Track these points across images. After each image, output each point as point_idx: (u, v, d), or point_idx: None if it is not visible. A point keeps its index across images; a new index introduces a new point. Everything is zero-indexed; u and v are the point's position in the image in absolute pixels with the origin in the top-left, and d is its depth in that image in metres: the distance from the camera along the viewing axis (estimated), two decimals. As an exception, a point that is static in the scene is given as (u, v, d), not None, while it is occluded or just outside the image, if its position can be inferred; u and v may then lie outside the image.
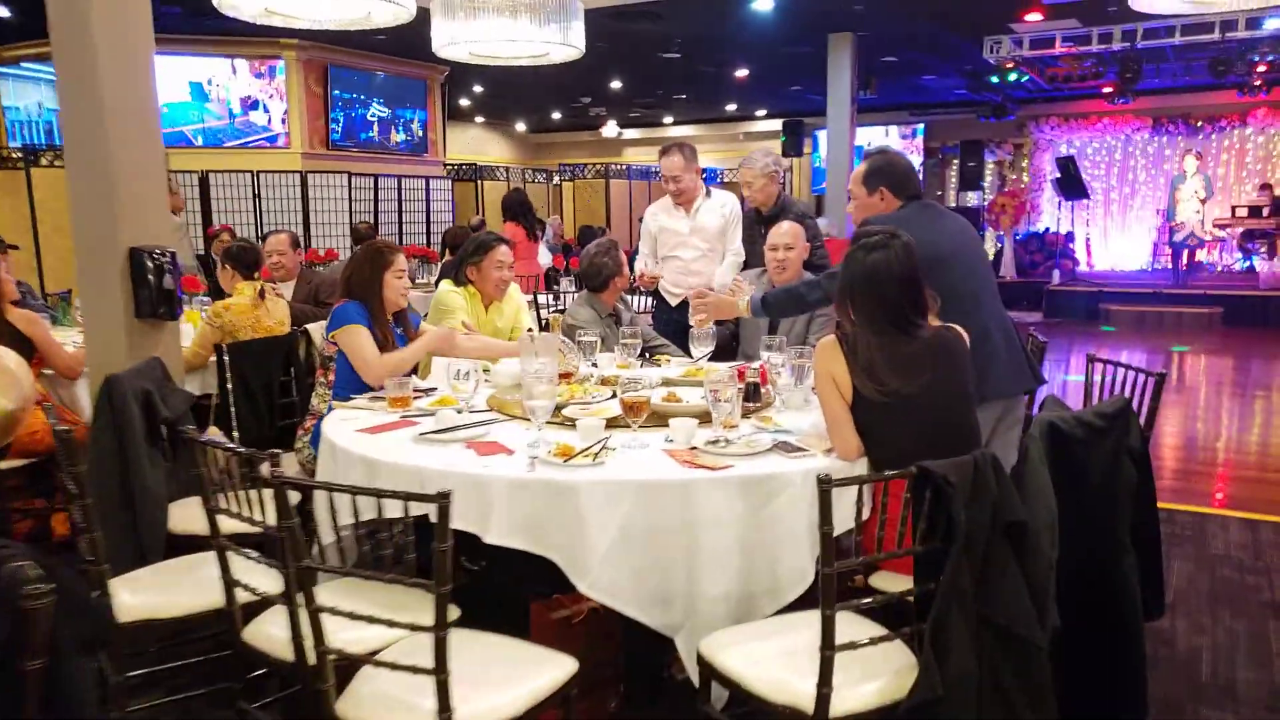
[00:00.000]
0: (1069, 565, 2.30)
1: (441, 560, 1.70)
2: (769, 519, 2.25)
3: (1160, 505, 4.72)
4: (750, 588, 2.26)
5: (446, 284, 3.98)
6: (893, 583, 2.39)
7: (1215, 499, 4.94)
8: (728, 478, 2.26)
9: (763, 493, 2.26)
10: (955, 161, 15.59)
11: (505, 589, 2.66)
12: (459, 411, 2.75)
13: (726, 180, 15.07)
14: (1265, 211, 12.34)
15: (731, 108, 17.00)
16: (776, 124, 16.41)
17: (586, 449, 2.35)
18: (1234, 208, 12.89)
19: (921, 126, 15.56)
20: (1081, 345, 9.43)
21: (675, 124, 18.79)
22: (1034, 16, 8.55)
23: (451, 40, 4.15)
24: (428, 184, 11.71)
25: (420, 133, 12.00)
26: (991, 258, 13.77)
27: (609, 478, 2.23)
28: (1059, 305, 12.12)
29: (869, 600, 2.00)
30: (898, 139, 15.64)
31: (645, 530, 2.19)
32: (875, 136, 15.37)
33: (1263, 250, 12.25)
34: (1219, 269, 13.24)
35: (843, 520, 2.10)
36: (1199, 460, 5.67)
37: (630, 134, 19.10)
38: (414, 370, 3.48)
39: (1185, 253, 12.87)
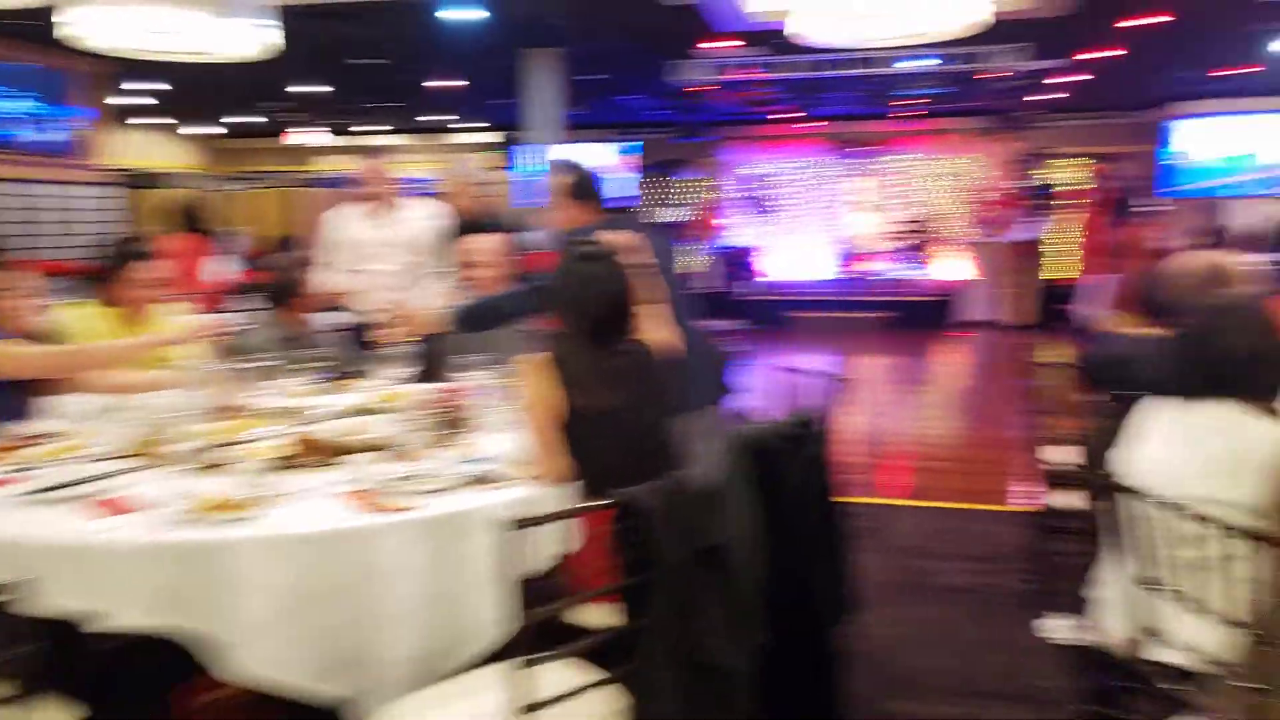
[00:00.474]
0: (770, 579, 2.27)
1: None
2: (460, 563, 2.02)
3: (847, 500, 5.09)
4: (438, 644, 2.01)
5: (78, 305, 3.37)
6: (610, 617, 2.24)
7: (896, 490, 5.33)
8: (414, 520, 2.00)
9: (453, 534, 2.03)
10: (663, 179, 16.26)
11: (142, 673, 2.22)
12: (87, 461, 2.27)
13: (439, 192, 14.61)
14: (921, 226, 14.01)
15: (447, 118, 16.56)
16: (499, 136, 16.22)
17: (243, 499, 2.00)
18: (898, 223, 14.44)
19: (640, 144, 16.06)
20: (771, 352, 10.04)
21: (383, 132, 18.00)
22: (714, 44, 9.02)
23: (85, 25, 3.56)
24: (89, 190, 10.30)
25: (71, 134, 10.52)
26: (700, 270, 14.41)
27: (269, 533, 1.90)
28: (752, 314, 12.90)
29: (569, 647, 1.83)
30: (617, 156, 16.02)
31: (314, 591, 1.88)
32: (595, 153, 15.65)
33: (919, 260, 13.87)
34: (889, 277, 14.70)
35: (547, 555, 1.92)
36: (879, 454, 6.12)
37: (330, 141, 18.07)
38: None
39: (860, 263, 14.25)
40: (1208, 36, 9.26)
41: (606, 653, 1.94)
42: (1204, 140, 14.12)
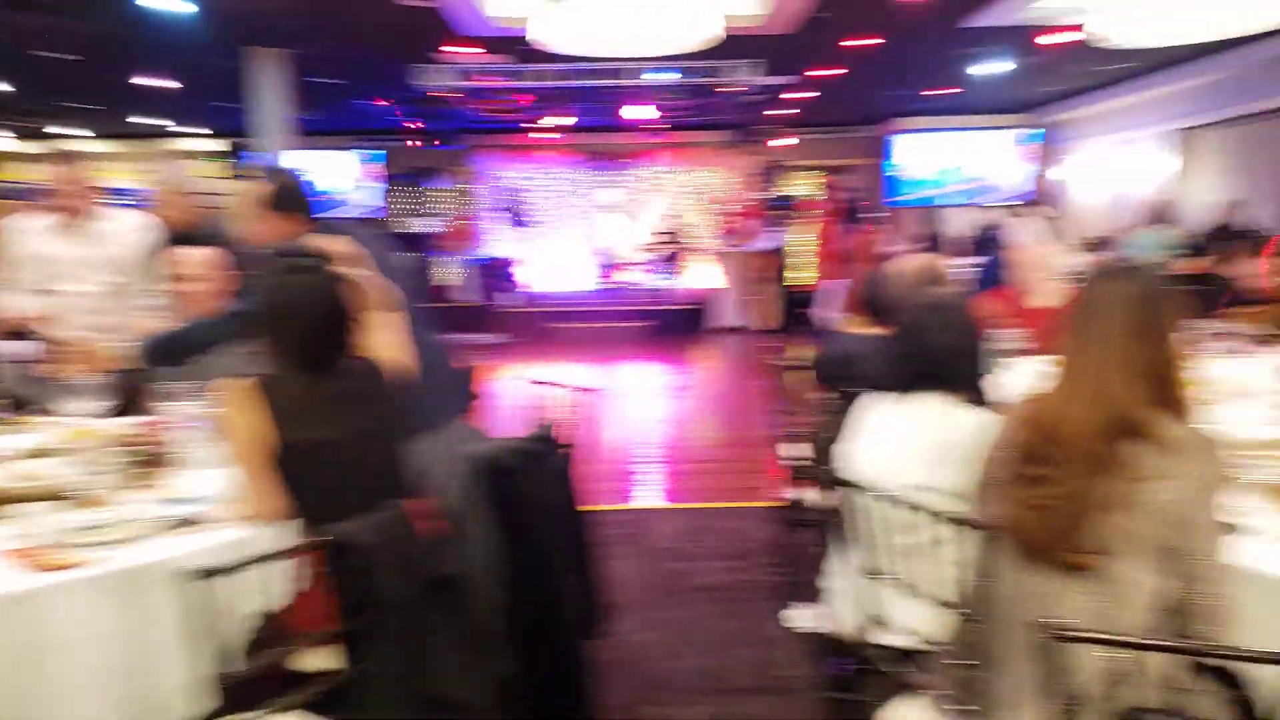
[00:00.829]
0: (516, 602, 2.17)
1: None
2: (152, 622, 1.77)
3: (606, 507, 5.11)
4: (133, 717, 1.75)
5: None
6: (337, 661, 2.05)
7: (653, 495, 5.39)
8: (90, 577, 1.73)
9: (142, 588, 1.77)
10: (413, 189, 15.75)
11: None
12: None
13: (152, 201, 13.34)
14: (673, 237, 14.47)
15: (163, 122, 15.15)
16: (224, 144, 15.06)
17: None
18: (652, 234, 14.84)
19: (383, 153, 15.44)
20: (530, 364, 9.99)
21: (85, 137, 16.20)
22: (457, 48, 8.82)
23: None
24: None
25: None
26: (456, 282, 14.10)
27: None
28: (511, 326, 12.80)
29: (287, 699, 1.64)
30: (359, 164, 15.34)
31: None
32: (334, 161, 14.90)
33: (675, 269, 14.32)
34: (644, 287, 15.05)
35: (270, 598, 1.72)
36: (639, 459, 6.19)
37: (17, 146, 16.02)
38: None
39: (618, 273, 14.50)
40: (915, 59, 10.17)
41: (334, 699, 1.77)
42: (920, 154, 15.52)
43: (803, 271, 14.50)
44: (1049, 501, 1.60)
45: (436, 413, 2.84)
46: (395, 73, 9.87)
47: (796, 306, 13.36)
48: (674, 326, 12.71)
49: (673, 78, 9.63)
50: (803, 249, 14.44)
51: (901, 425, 2.12)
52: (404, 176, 15.67)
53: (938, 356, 2.08)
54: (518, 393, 3.53)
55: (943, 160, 15.49)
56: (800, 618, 3.21)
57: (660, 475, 5.85)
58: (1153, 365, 1.60)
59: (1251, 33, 7.24)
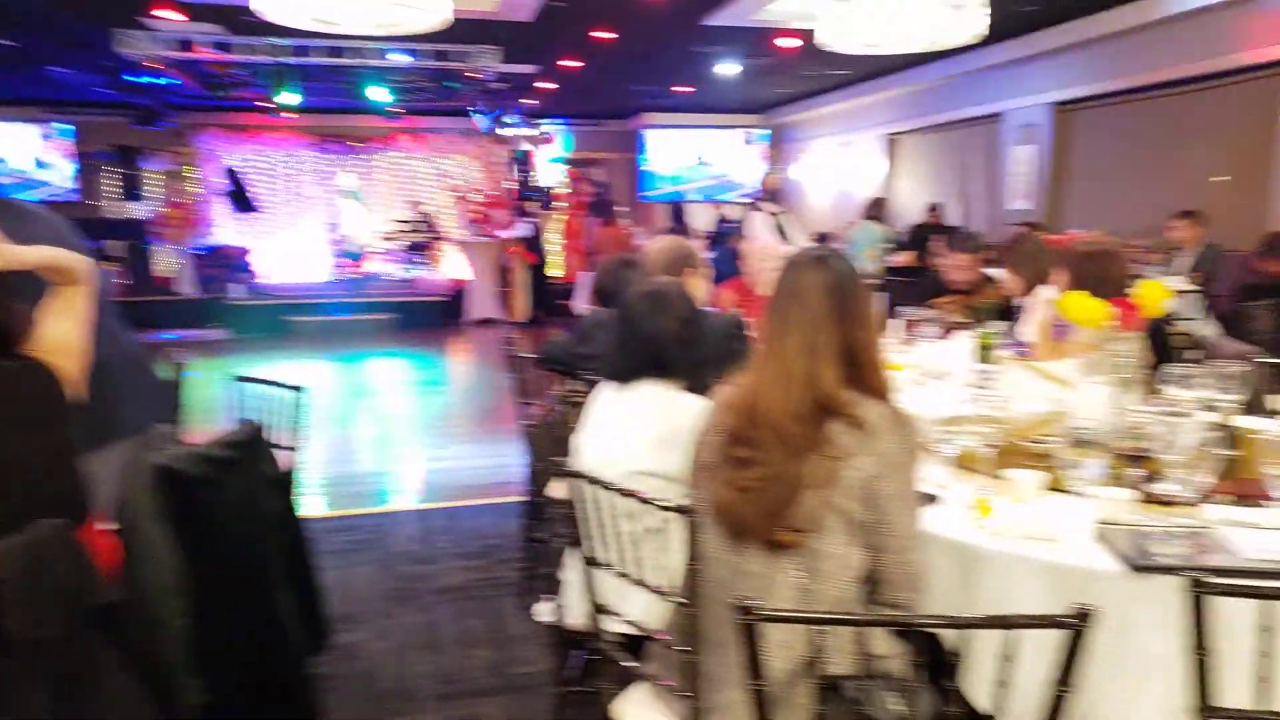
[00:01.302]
0: (215, 624, 1.94)
1: None
2: None
3: (339, 513, 4.82)
4: None
5: None
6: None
7: (392, 496, 5.15)
8: None
9: None
10: (114, 169, 14.17)
11: None
12: None
13: None
14: (425, 227, 13.99)
15: None
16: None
17: None
18: (395, 222, 14.26)
19: (71, 128, 13.77)
20: (264, 361, 9.31)
21: None
22: (168, 13, 7.99)
23: None
24: None
25: None
26: (171, 274, 12.88)
27: None
28: (242, 320, 11.87)
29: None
30: (39, 139, 13.60)
31: None
32: (11, 135, 13.15)
33: (422, 260, 13.84)
34: (388, 278, 14.46)
35: None
36: (378, 460, 5.90)
37: None
38: None
39: (357, 264, 13.81)
40: (655, 55, 10.43)
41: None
42: (669, 149, 16.03)
43: (559, 262, 14.56)
44: (753, 483, 1.62)
45: (125, 418, 2.51)
46: (94, 37, 8.81)
47: (556, 298, 13.39)
48: (421, 319, 12.31)
49: (406, 60, 9.27)
50: (559, 240, 14.49)
51: (624, 413, 2.10)
52: (108, 155, 14.09)
53: (655, 344, 2.07)
54: (231, 393, 3.21)
55: (689, 156, 16.09)
56: (543, 612, 3.16)
57: (400, 476, 5.60)
58: (848, 348, 1.66)
59: (949, 48, 8.04)
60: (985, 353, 3.10)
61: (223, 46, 8.82)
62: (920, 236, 9.09)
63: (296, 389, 2.84)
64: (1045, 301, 3.27)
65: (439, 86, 11.30)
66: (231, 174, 13.53)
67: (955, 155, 11.47)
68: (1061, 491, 1.93)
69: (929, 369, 3.37)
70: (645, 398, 2.09)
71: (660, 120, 15.69)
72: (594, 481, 1.80)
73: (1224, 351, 3.20)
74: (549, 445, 2.32)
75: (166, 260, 13.03)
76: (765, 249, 4.28)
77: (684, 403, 2.07)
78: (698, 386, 2.10)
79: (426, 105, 13.03)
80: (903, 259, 8.99)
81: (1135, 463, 1.87)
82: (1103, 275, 3.08)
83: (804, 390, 1.63)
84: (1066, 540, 1.70)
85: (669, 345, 2.09)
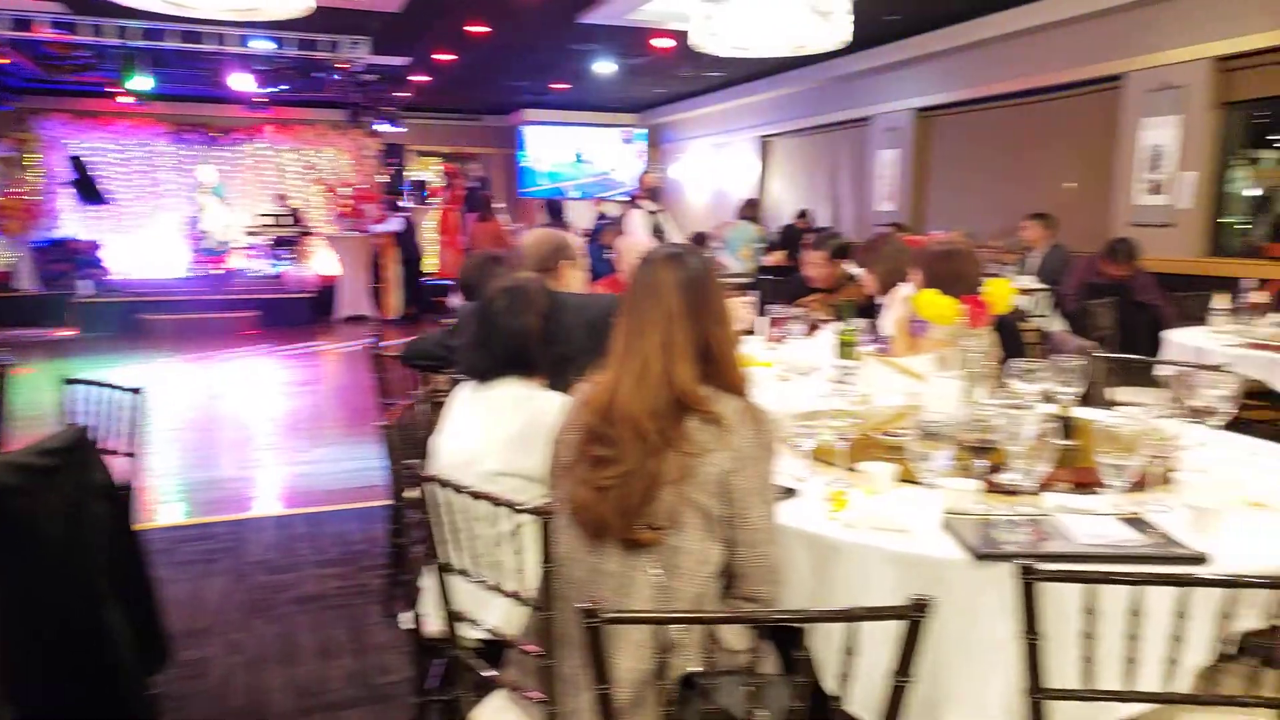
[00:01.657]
0: (32, 641, 1.79)
1: None
2: None
3: (198, 521, 4.57)
4: None
5: None
6: None
7: (249, 502, 4.91)
8: None
9: None
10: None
11: None
12: None
13: None
14: (291, 221, 13.44)
15: None
16: None
17: None
18: (259, 216, 13.66)
19: None
20: (115, 362, 8.76)
21: None
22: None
23: None
24: None
25: None
26: (10, 269, 12.03)
27: None
28: (91, 319, 11.14)
29: None
30: None
31: None
32: None
33: (289, 256, 13.30)
34: (253, 274, 13.85)
35: None
36: (234, 464, 5.62)
37: None
38: None
39: (219, 259, 13.17)
40: (529, 51, 10.33)
41: None
42: (549, 145, 15.91)
43: (436, 258, 14.27)
44: (611, 481, 1.59)
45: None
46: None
47: (432, 295, 13.09)
48: (287, 317, 11.85)
49: (269, 47, 8.90)
50: (435, 235, 14.21)
51: (483, 412, 2.04)
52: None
53: (515, 341, 2.02)
54: (63, 397, 2.99)
55: (568, 154, 16.02)
56: (406, 620, 3.06)
57: (259, 481, 5.34)
58: (704, 345, 1.65)
59: (818, 53, 8.24)
60: (846, 349, 3.17)
61: (64, 26, 8.25)
62: (792, 236, 9.30)
63: (134, 391, 2.65)
64: (902, 299, 3.38)
65: (307, 76, 10.90)
66: (76, 162, 12.70)
67: (826, 158, 11.79)
68: (913, 483, 1.97)
69: (794, 365, 3.42)
70: (505, 396, 2.04)
71: (539, 117, 15.58)
72: (445, 484, 1.74)
73: (1066, 346, 3.38)
74: (405, 447, 2.24)
75: (2, 254, 12.15)
76: (639, 246, 4.28)
77: (544, 400, 2.03)
78: (559, 383, 2.06)
79: (294, 96, 12.55)
80: (774, 258, 9.18)
81: (981, 454, 1.93)
82: (956, 274, 3.19)
83: (660, 387, 1.62)
84: (917, 531, 1.74)
85: (529, 342, 2.04)
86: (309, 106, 13.79)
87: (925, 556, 1.68)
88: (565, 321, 2.08)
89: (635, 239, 4.43)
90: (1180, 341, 4.46)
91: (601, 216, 13.13)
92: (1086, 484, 1.95)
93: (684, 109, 14.57)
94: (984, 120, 8.97)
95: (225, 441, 6.13)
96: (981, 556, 1.63)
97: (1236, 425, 2.97)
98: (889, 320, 3.49)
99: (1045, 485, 1.90)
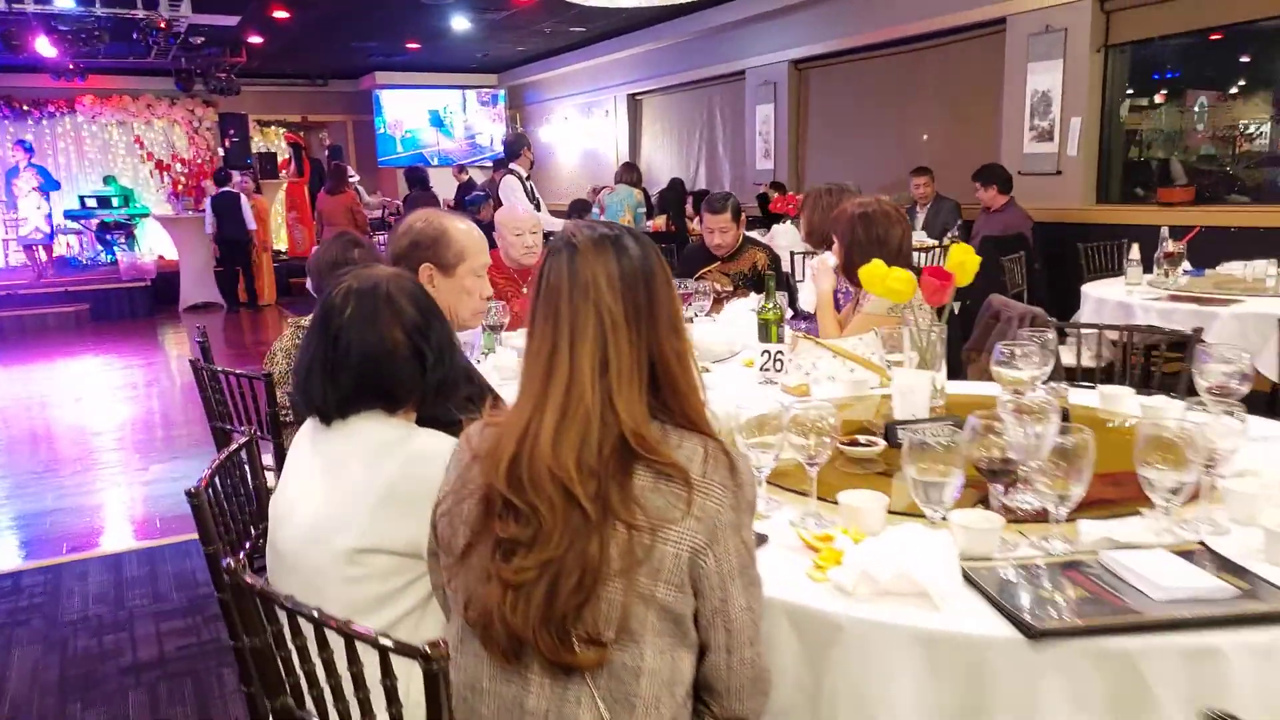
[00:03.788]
0: None
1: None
2: None
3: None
4: None
5: None
6: None
7: (70, 541, 4.12)
8: None
9: None
10: None
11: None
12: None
13: None
14: (115, 201, 12.12)
15: None
16: None
17: None
18: (82, 199, 12.28)
19: None
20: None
21: None
22: None
23: None
24: None
25: None
26: None
27: None
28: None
29: None
30: None
31: None
32: None
33: (121, 242, 12.02)
34: (83, 263, 12.49)
35: None
36: (50, 495, 4.79)
37: None
38: None
39: (40, 249, 11.79)
40: (373, 6, 9.46)
41: None
42: (406, 110, 14.92)
43: (291, 237, 13.23)
44: (528, 574, 1.09)
45: None
46: None
47: (290, 276, 12.07)
48: (120, 309, 10.70)
49: (71, 5, 7.80)
50: (285, 212, 13.17)
51: (333, 463, 1.47)
52: None
53: (372, 362, 1.46)
54: None
55: (426, 118, 15.10)
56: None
57: (79, 510, 4.51)
58: (651, 362, 1.16)
59: (688, 1, 7.77)
60: (769, 330, 2.73)
61: None
62: (673, 200, 8.85)
63: None
64: (826, 269, 2.96)
65: (128, 40, 9.71)
66: None
67: (700, 115, 11.38)
68: (907, 515, 1.54)
69: (707, 350, 2.97)
70: (361, 438, 1.48)
71: (393, 80, 14.61)
72: (281, 606, 1.18)
73: (1011, 313, 3.04)
74: (224, 511, 1.66)
75: None
76: (522, 217, 3.71)
77: (420, 441, 1.49)
78: (440, 416, 1.52)
79: (115, 63, 11.25)
80: (656, 224, 8.73)
81: (998, 476, 1.51)
82: (880, 239, 2.80)
83: (596, 427, 1.12)
84: (937, 591, 1.30)
85: (392, 361, 1.48)
86: (133, 75, 12.46)
87: (961, 636, 1.24)
88: (445, 334, 1.53)
89: (516, 209, 3.86)
90: (1098, 295, 4.24)
91: (468, 185, 12.34)
92: (1120, 502, 1.56)
93: (547, 68, 13.88)
94: (862, 71, 8.70)
95: (40, 464, 5.25)
96: (1038, 635, 1.20)
97: (1157, 382, 2.74)
98: (808, 292, 3.05)
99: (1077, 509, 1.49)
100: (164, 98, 12.96)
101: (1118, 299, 4.08)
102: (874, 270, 2.20)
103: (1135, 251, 4.37)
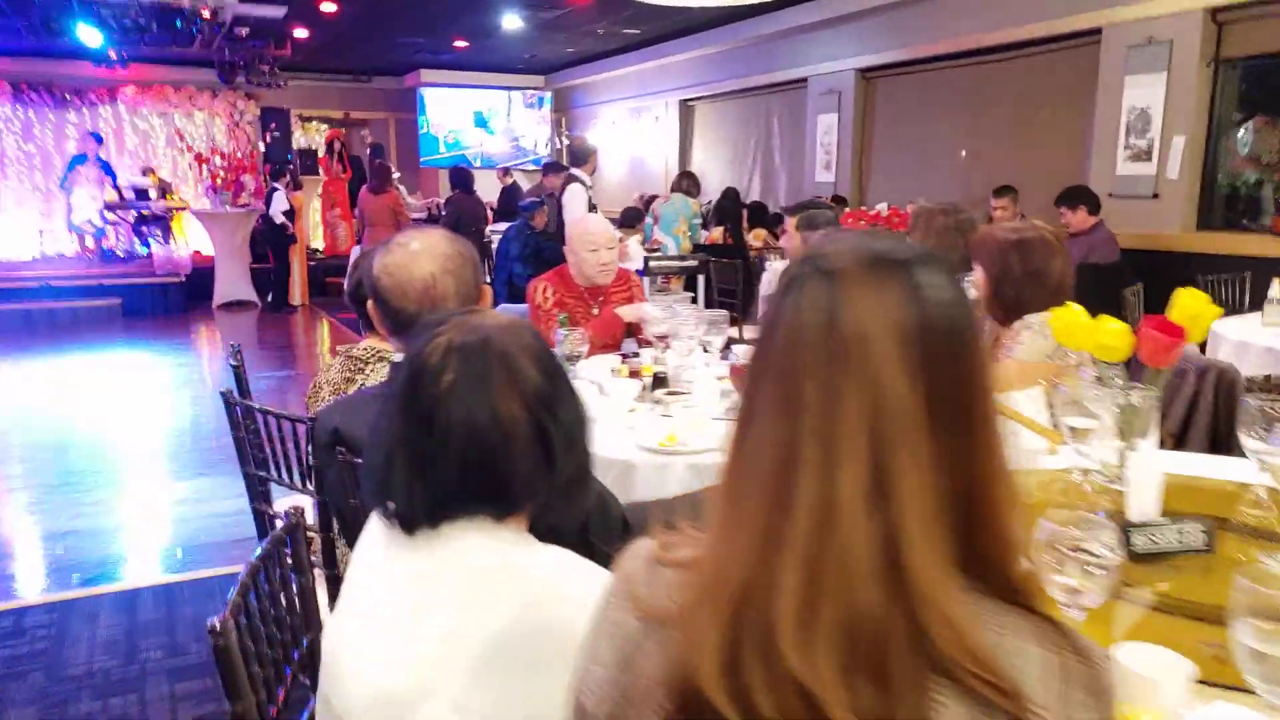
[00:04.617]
0: None
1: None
2: None
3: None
4: None
5: None
6: None
7: (82, 573, 3.75)
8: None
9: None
10: None
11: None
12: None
13: None
14: (154, 194, 11.87)
15: None
16: None
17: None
18: (119, 191, 12.04)
19: None
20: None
21: None
22: None
23: None
24: None
25: None
26: None
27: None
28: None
29: None
30: None
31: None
32: None
33: (158, 235, 11.77)
34: (121, 256, 12.24)
35: None
36: (65, 514, 4.42)
37: None
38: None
39: (90, 240, 11.59)
40: (429, 2, 9.15)
41: None
42: (451, 110, 14.63)
43: (329, 236, 12.96)
44: None
45: None
46: None
47: (324, 275, 11.77)
48: (155, 306, 10.44)
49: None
50: (326, 210, 12.89)
51: (418, 592, 1.05)
52: None
53: (475, 444, 1.03)
54: None
55: (470, 119, 14.81)
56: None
57: (96, 535, 4.07)
58: (955, 480, 0.72)
59: (748, 3, 7.35)
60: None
61: None
62: (733, 212, 8.41)
63: None
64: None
65: (172, 30, 9.44)
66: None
67: (756, 124, 10.94)
68: (1226, 687, 1.10)
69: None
70: (459, 559, 1.05)
71: (438, 78, 14.30)
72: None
73: (1188, 365, 2.57)
74: (256, 641, 1.24)
75: None
76: (598, 231, 3.29)
77: (547, 569, 1.05)
78: (562, 527, 1.10)
79: (158, 53, 11.01)
80: (713, 236, 8.29)
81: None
82: (1037, 273, 2.36)
83: (862, 595, 0.68)
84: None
85: (511, 449, 1.05)
86: (175, 65, 12.23)
87: None
88: (577, 409, 1.10)
89: (590, 221, 3.44)
90: (1239, 338, 3.74)
91: (512, 189, 11.95)
92: None
93: (596, 70, 13.50)
94: (934, 81, 8.22)
95: (59, 476, 4.89)
96: None
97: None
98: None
99: None
100: (205, 89, 12.71)
101: (1265, 343, 3.59)
102: (1070, 320, 1.76)
103: (1277, 288, 3.88)
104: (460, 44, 11.87)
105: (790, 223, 4.10)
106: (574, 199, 6.19)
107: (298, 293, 10.89)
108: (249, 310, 10.65)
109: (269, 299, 10.72)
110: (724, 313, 3.00)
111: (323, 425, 1.66)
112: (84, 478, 4.80)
